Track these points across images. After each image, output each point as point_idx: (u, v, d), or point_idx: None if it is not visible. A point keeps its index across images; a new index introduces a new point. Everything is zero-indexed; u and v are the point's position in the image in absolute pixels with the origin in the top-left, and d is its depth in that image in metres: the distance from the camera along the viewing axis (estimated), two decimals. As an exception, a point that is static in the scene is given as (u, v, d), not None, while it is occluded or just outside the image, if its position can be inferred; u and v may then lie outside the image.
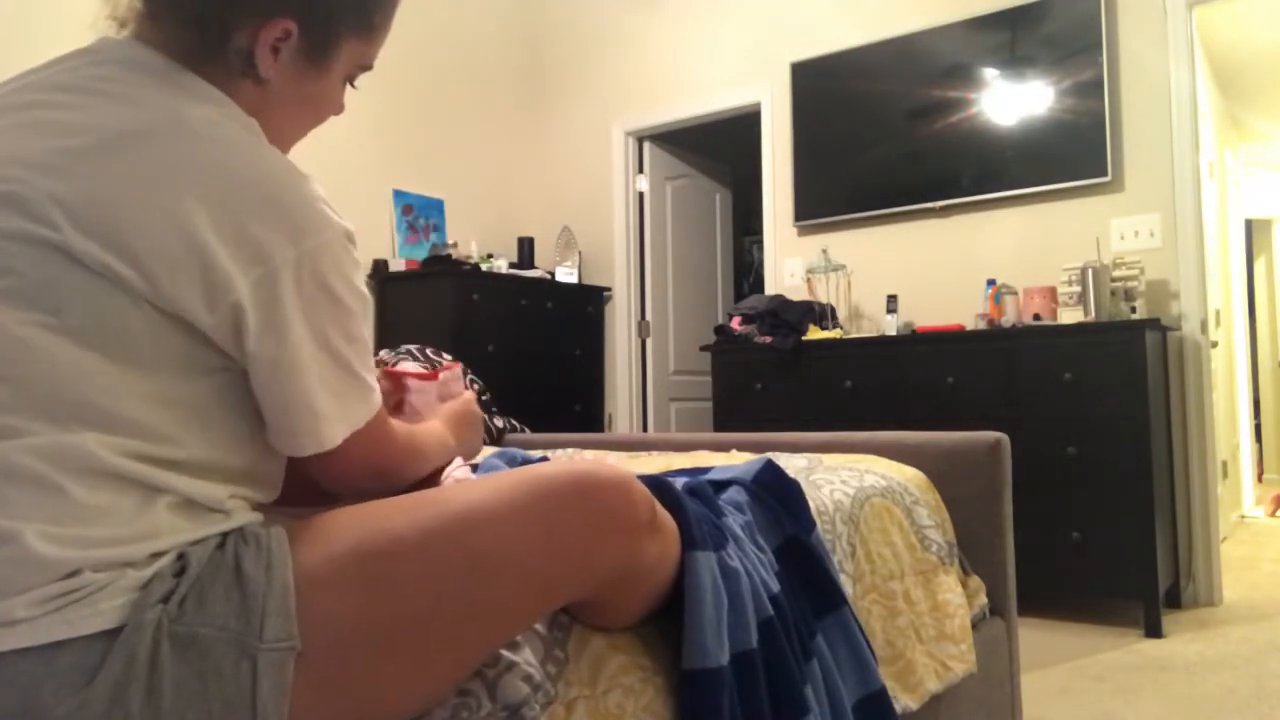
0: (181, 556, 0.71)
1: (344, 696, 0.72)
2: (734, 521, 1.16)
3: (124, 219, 0.70)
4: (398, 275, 4.14)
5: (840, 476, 1.53)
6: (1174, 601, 3.18)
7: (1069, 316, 3.15)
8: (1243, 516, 5.39)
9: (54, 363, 0.69)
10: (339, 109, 0.96)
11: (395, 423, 0.91)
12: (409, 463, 0.93)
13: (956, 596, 1.56)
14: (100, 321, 0.70)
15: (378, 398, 0.84)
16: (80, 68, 0.79)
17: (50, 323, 0.69)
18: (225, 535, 0.74)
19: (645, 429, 4.79)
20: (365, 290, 0.82)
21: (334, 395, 0.79)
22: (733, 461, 1.69)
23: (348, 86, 0.96)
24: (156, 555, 0.70)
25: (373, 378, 0.84)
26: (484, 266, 4.27)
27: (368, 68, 0.94)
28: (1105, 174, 3.34)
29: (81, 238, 0.70)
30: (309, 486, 0.91)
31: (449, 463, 1.10)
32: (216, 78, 0.82)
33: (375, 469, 0.87)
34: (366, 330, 0.83)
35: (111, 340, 0.70)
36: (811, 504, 1.35)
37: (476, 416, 1.17)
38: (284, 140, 0.92)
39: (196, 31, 0.81)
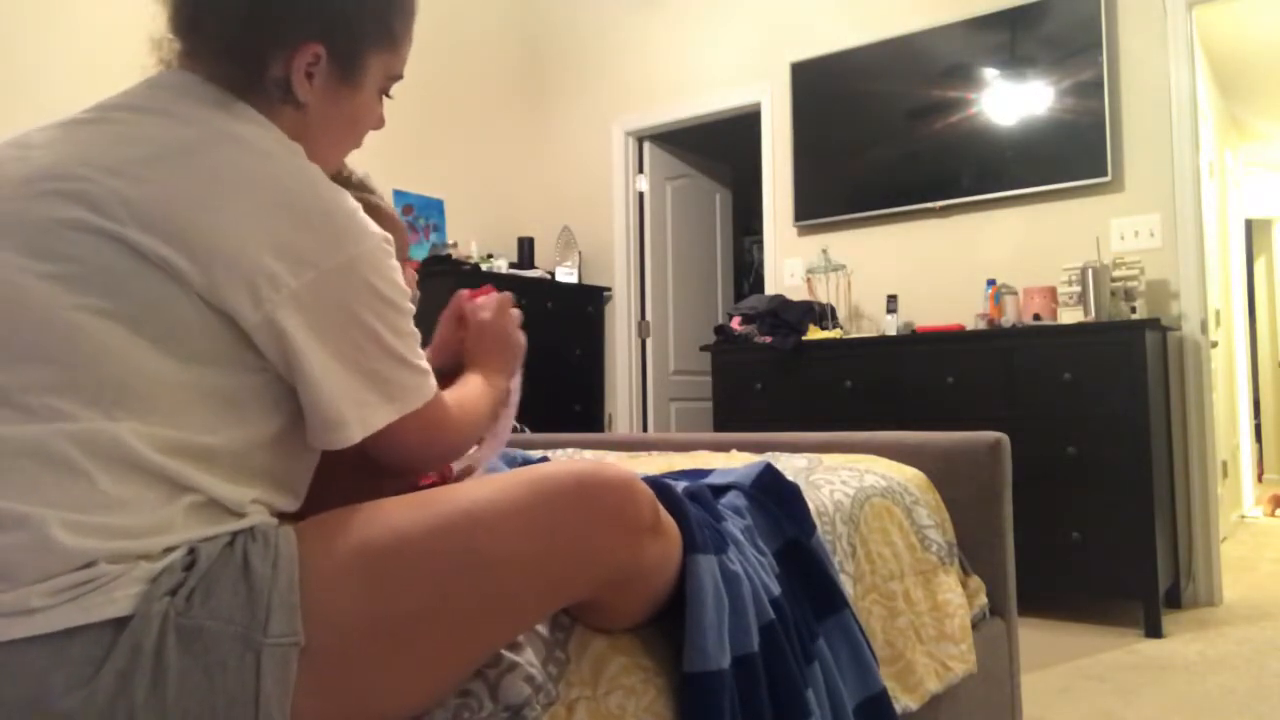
0: (192, 551, 0.72)
1: (347, 692, 0.72)
2: (734, 525, 1.16)
3: (182, 218, 0.75)
4: (398, 275, 4.14)
5: (840, 477, 1.53)
6: (1174, 601, 3.18)
7: (1069, 316, 3.15)
8: (1243, 516, 5.39)
9: (102, 346, 0.72)
10: (379, 123, 1.00)
11: (447, 396, 0.93)
12: (468, 434, 0.96)
13: (956, 596, 1.57)
14: (153, 309, 0.74)
15: (432, 385, 0.87)
16: (141, 91, 0.85)
17: (104, 307, 0.73)
18: (236, 533, 0.75)
19: (645, 429, 4.79)
20: (406, 287, 0.85)
21: (381, 384, 0.82)
22: (733, 462, 1.69)
23: (384, 98, 0.99)
24: (170, 549, 0.72)
25: (425, 364, 0.87)
26: (484, 266, 4.27)
27: (398, 77, 0.99)
28: (1105, 174, 3.34)
29: (141, 231, 0.74)
30: (319, 489, 0.91)
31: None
32: (259, 106, 0.86)
33: (437, 451, 0.91)
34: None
35: (162, 329, 0.74)
36: (811, 504, 1.35)
37: (500, 333, 1.11)
38: (330, 161, 0.96)
39: (235, 65, 0.86)
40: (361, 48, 0.91)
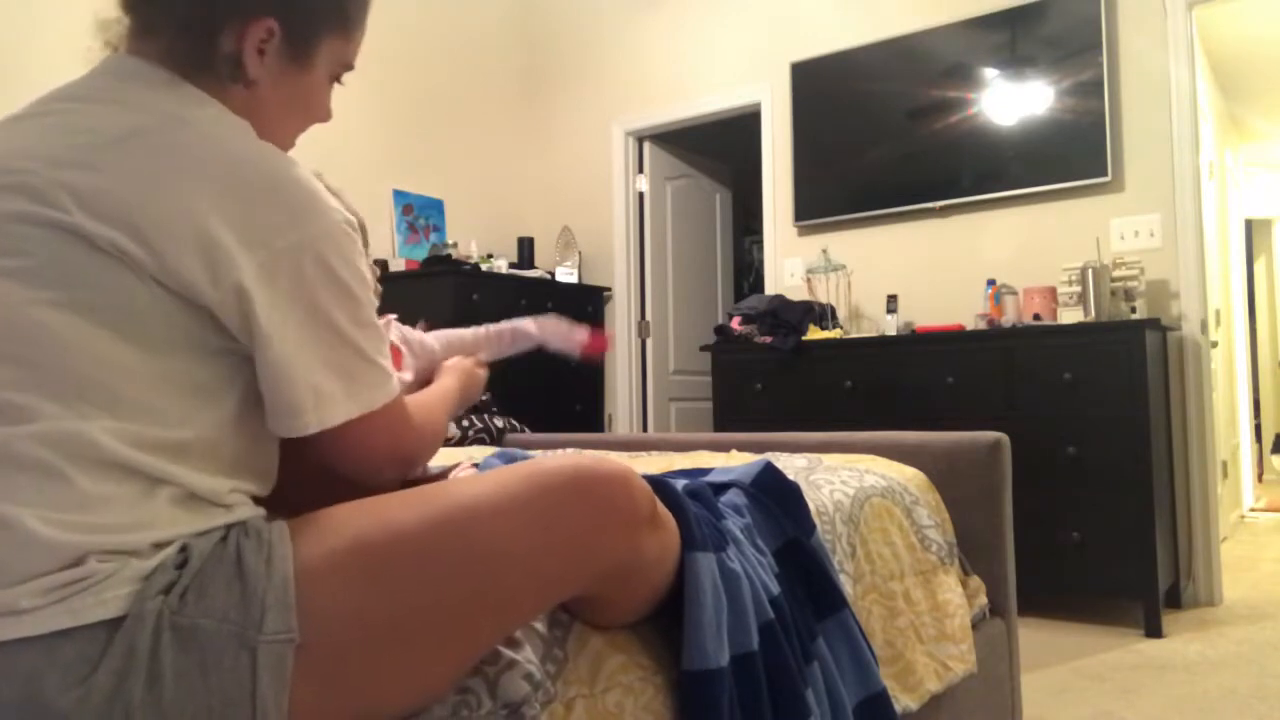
0: (184, 548, 0.72)
1: (343, 689, 0.72)
2: (733, 524, 1.16)
3: (132, 202, 0.73)
4: (398, 275, 4.14)
5: (840, 477, 1.53)
6: (1174, 601, 3.18)
7: (1069, 316, 3.15)
8: (1243, 516, 5.39)
9: (63, 340, 0.71)
10: (326, 114, 0.98)
11: (410, 401, 0.92)
12: (430, 446, 0.93)
13: (956, 596, 1.56)
14: (109, 298, 0.72)
15: (395, 385, 0.85)
16: (85, 81, 0.84)
17: (60, 299, 0.72)
18: (229, 528, 0.75)
19: (645, 429, 4.79)
20: (371, 278, 0.84)
21: (341, 376, 0.80)
22: (732, 462, 1.69)
23: (334, 89, 0.98)
24: (159, 546, 0.71)
25: (388, 363, 0.85)
26: (484, 266, 4.27)
27: (349, 67, 0.97)
28: (1105, 174, 3.34)
29: (90, 219, 0.73)
30: (313, 490, 0.91)
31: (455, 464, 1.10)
32: (208, 86, 0.85)
33: (394, 454, 0.87)
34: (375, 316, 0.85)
35: (120, 317, 0.73)
36: (811, 504, 1.35)
37: (481, 376, 1.22)
38: (277, 144, 0.93)
39: (186, 40, 0.84)
40: (315, 27, 0.90)
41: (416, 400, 0.96)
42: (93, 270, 0.72)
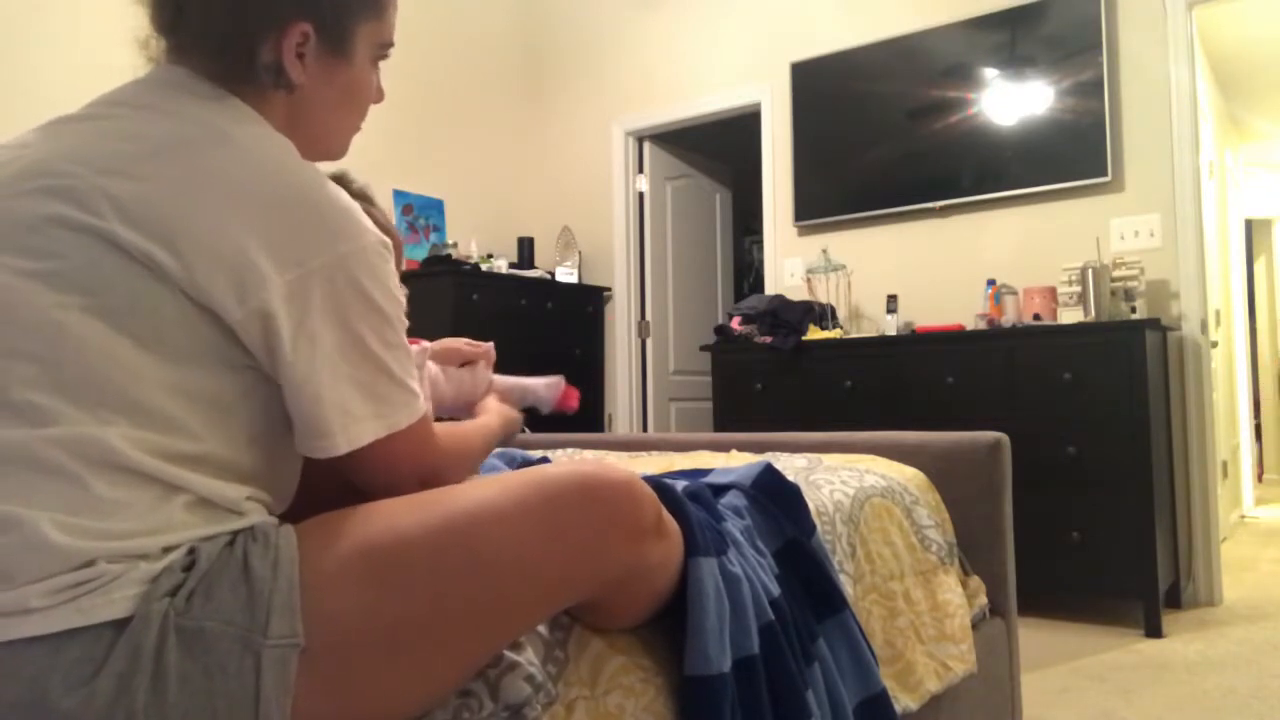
0: (192, 551, 0.72)
1: (347, 694, 0.72)
2: (733, 526, 1.16)
3: (168, 214, 0.74)
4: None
5: (840, 476, 1.53)
6: (1174, 601, 3.18)
7: (1069, 316, 3.15)
8: (1243, 516, 5.39)
9: (85, 344, 0.71)
10: (378, 95, 0.98)
11: (439, 426, 0.92)
12: (455, 467, 0.93)
13: (956, 596, 1.56)
14: (135, 305, 0.73)
15: (421, 405, 0.85)
16: (130, 89, 0.84)
17: (87, 304, 0.72)
18: (236, 533, 0.75)
19: (645, 429, 4.79)
20: (402, 298, 0.84)
21: (369, 397, 0.80)
22: (732, 462, 1.69)
23: (379, 69, 0.98)
24: (169, 549, 0.71)
25: (415, 384, 0.85)
26: (484, 266, 4.27)
27: (389, 44, 0.97)
28: (1105, 174, 3.34)
29: (125, 227, 0.73)
30: (317, 491, 0.91)
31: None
32: (253, 95, 0.86)
33: (417, 474, 0.87)
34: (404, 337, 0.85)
35: (144, 326, 0.73)
36: (811, 504, 1.35)
37: (518, 421, 1.26)
38: (336, 140, 0.96)
39: (223, 55, 0.84)
40: (349, 19, 0.90)
41: (453, 428, 0.96)
42: (123, 278, 0.73)
